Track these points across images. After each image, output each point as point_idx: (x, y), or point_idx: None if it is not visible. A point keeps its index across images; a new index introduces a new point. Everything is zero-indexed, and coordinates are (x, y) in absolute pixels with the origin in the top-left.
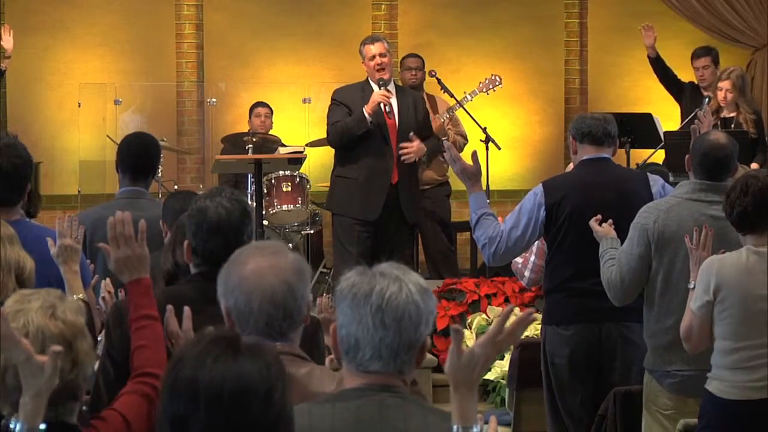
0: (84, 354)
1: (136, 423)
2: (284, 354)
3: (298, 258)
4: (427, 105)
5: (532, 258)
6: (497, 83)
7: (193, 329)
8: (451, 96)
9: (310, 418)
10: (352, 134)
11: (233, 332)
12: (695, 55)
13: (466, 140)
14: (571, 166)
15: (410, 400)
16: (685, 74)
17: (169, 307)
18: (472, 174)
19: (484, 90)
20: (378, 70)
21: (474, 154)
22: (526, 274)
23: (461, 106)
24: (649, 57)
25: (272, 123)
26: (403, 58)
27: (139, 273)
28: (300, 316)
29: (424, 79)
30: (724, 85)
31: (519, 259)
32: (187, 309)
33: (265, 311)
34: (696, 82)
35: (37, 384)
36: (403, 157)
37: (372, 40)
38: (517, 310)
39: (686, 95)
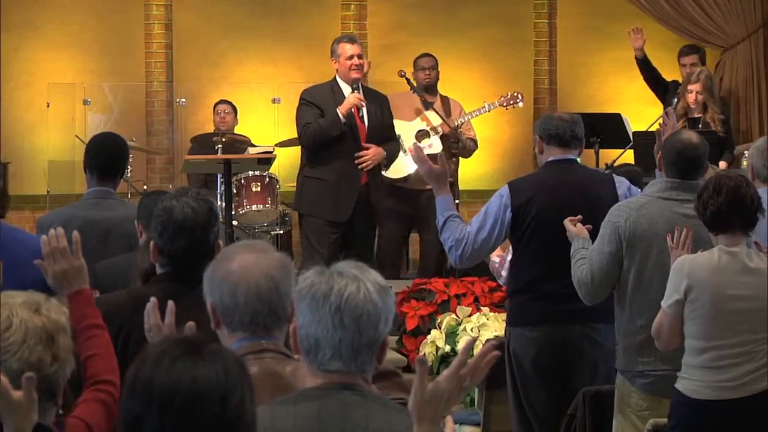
0: (65, 350)
1: (98, 429)
2: (269, 351)
3: (283, 255)
4: (440, 106)
5: (509, 257)
6: (518, 100)
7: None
8: (420, 96)
9: (272, 418)
10: (327, 136)
11: (199, 336)
12: (682, 53)
13: (476, 146)
14: None
15: (372, 398)
16: None
17: (153, 299)
18: (438, 176)
19: (504, 105)
20: (353, 71)
21: (440, 157)
22: (503, 273)
23: (477, 114)
24: (636, 58)
25: (236, 120)
26: (417, 58)
27: (80, 284)
28: (285, 313)
29: (438, 79)
30: (695, 87)
31: (496, 259)
32: (171, 303)
33: (250, 306)
34: (679, 81)
35: (16, 421)
36: (360, 165)
37: (350, 39)
38: (480, 340)
39: (670, 94)
